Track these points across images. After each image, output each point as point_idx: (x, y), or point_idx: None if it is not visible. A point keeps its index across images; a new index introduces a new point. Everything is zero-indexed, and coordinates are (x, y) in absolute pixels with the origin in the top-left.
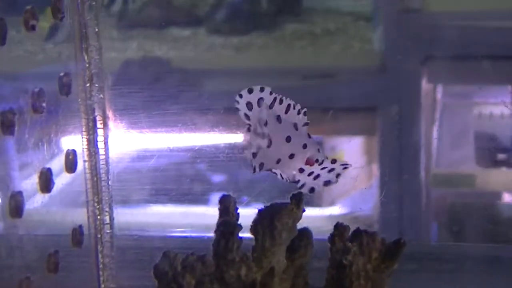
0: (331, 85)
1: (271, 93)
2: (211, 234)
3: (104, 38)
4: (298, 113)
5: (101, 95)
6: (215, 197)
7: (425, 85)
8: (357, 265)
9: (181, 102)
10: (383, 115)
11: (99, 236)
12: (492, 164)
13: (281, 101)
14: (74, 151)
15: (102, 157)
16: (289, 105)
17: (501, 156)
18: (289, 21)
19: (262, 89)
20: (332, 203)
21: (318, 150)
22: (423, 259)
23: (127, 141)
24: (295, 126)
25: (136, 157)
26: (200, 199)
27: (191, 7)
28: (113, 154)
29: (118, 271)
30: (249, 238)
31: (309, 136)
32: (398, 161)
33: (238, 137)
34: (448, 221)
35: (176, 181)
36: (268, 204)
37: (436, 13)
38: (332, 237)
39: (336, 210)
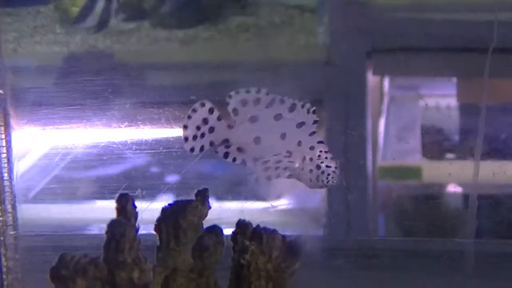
0: (276, 78)
1: (267, 94)
2: None
3: (49, 32)
4: (308, 112)
5: (1, 91)
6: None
7: (371, 78)
8: (256, 264)
9: (124, 96)
10: (329, 109)
11: (2, 238)
12: (438, 156)
13: (282, 101)
14: None
15: (3, 155)
16: (294, 104)
17: (447, 148)
18: (234, 14)
19: (258, 91)
20: (278, 197)
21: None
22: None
23: (34, 138)
24: (301, 124)
25: (42, 155)
26: (108, 195)
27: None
28: (17, 151)
29: (24, 275)
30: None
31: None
32: (345, 154)
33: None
34: (395, 214)
35: (84, 178)
36: (172, 201)
37: (382, 6)
38: (234, 235)
39: (282, 203)
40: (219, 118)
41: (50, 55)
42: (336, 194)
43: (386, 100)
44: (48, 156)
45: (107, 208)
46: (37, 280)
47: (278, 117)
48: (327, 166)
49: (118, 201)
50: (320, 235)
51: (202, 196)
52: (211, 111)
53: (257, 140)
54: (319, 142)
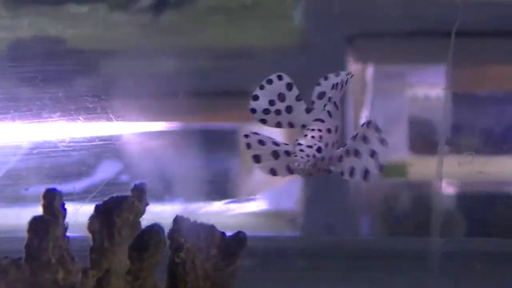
0: (248, 65)
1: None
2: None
3: None
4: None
5: None
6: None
7: (352, 65)
8: (193, 263)
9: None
10: (305, 99)
11: None
12: (427, 151)
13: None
14: None
15: None
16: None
17: (437, 142)
18: None
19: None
20: (250, 196)
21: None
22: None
23: None
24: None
25: None
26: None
27: None
28: None
29: None
30: None
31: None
32: None
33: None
34: (380, 215)
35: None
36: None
37: None
38: (171, 232)
39: (255, 204)
40: (298, 98)
41: None
42: (314, 194)
43: (369, 89)
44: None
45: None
46: None
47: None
48: (298, 144)
49: (44, 197)
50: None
51: (139, 192)
52: (289, 87)
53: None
54: (317, 119)
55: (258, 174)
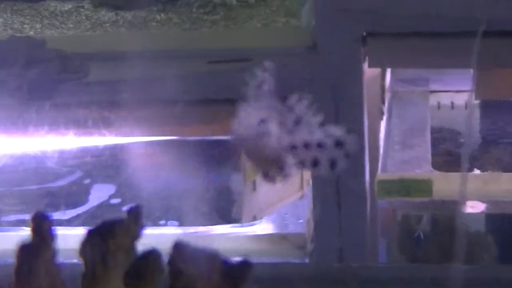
0: (248, 70)
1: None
2: None
3: None
4: None
5: None
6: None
7: (367, 69)
8: None
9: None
10: (315, 108)
11: None
12: (452, 166)
13: None
14: None
15: None
16: None
17: (463, 156)
18: None
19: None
20: (254, 219)
21: None
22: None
23: None
24: None
25: None
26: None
27: None
28: None
29: None
30: None
31: None
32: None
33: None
34: (399, 239)
35: None
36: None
37: None
38: (170, 258)
39: (259, 227)
40: None
41: None
42: (325, 215)
43: (387, 97)
44: None
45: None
46: None
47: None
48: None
49: (32, 220)
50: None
51: (135, 214)
52: None
53: None
54: None
55: (263, 192)
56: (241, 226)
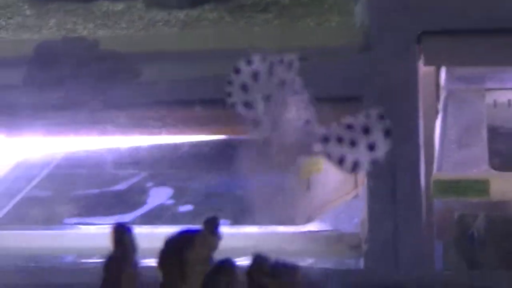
0: (302, 69)
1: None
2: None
3: (16, 14)
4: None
5: None
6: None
7: (422, 68)
8: None
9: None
10: (369, 107)
11: None
12: (510, 166)
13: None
14: None
15: None
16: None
17: None
18: None
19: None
20: (308, 220)
21: None
22: None
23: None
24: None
25: (9, 171)
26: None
27: None
28: None
29: None
30: None
31: None
32: (390, 164)
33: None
34: (455, 240)
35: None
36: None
37: None
38: (249, 271)
39: (314, 227)
40: None
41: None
42: (380, 215)
43: (442, 95)
44: (16, 173)
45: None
46: None
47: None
48: None
49: (114, 232)
50: (359, 269)
51: (211, 225)
52: None
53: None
54: None
55: (317, 192)
56: (296, 226)
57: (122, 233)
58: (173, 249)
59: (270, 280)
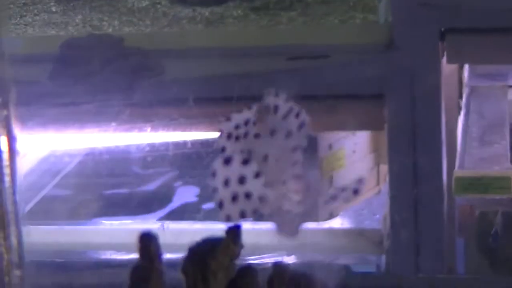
0: (326, 67)
1: (286, 101)
2: None
3: (42, 11)
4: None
5: (5, 112)
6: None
7: (445, 65)
8: None
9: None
10: (393, 104)
11: (4, 264)
12: None
13: (297, 115)
14: None
15: (8, 184)
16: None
17: None
18: None
19: (277, 94)
20: (330, 216)
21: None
22: None
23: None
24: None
25: (35, 165)
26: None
27: None
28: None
29: None
30: None
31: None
32: (412, 161)
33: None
34: (477, 237)
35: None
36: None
37: None
38: (270, 280)
39: (336, 223)
40: (254, 123)
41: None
42: (402, 211)
43: (465, 92)
44: (42, 167)
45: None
46: None
47: (289, 134)
48: (287, 212)
49: (140, 240)
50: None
51: (234, 234)
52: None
53: (264, 158)
54: (295, 175)
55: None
56: (318, 222)
57: (148, 241)
58: (196, 257)
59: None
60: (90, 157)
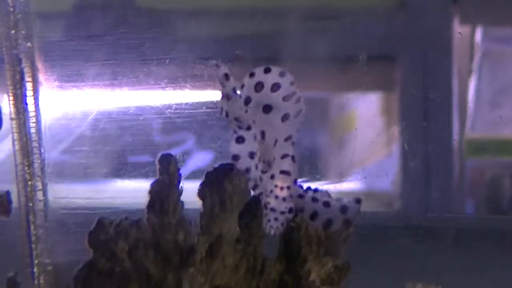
0: (338, 28)
1: (292, 84)
2: None
3: None
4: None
5: (29, 44)
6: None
7: (458, 27)
8: (307, 229)
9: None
10: (405, 66)
11: (30, 204)
12: None
13: (297, 101)
14: None
15: (32, 114)
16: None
17: None
18: None
19: (282, 74)
20: (341, 176)
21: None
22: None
23: (62, 96)
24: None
25: (72, 115)
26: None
27: None
28: (46, 111)
29: (54, 245)
30: None
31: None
32: (424, 123)
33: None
34: (487, 199)
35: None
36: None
37: None
38: None
39: (346, 184)
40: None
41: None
42: (413, 174)
43: (477, 55)
44: (75, 119)
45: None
46: (67, 252)
47: (285, 118)
48: (271, 210)
49: (160, 162)
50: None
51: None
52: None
53: (262, 134)
54: (283, 171)
55: (350, 149)
56: (328, 182)
57: (168, 161)
58: (213, 180)
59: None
60: (104, 118)
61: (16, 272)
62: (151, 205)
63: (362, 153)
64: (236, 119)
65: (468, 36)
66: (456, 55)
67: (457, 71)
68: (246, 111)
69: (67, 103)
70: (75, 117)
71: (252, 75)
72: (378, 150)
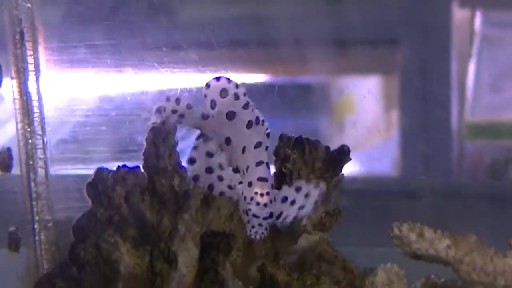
0: (340, 11)
1: (244, 95)
2: None
3: None
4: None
5: (29, 4)
6: None
7: (458, 11)
8: (299, 174)
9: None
10: (405, 50)
11: (31, 162)
12: None
13: (253, 109)
14: None
15: (31, 73)
16: (258, 118)
17: None
18: None
19: (237, 86)
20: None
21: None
22: None
23: (61, 57)
24: (258, 144)
25: (71, 75)
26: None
27: None
28: (45, 71)
29: (54, 202)
30: None
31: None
32: (424, 107)
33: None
34: (489, 176)
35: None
36: None
37: None
38: (277, 149)
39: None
40: (188, 107)
41: None
42: (413, 157)
43: (477, 39)
44: (74, 78)
45: None
46: (67, 209)
47: (249, 124)
48: (254, 216)
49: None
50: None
51: None
52: (178, 101)
53: (227, 141)
54: (260, 178)
55: (351, 134)
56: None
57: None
58: None
59: (291, 151)
60: (104, 103)
61: (17, 227)
62: (148, 150)
63: (362, 138)
64: (198, 128)
65: (468, 20)
66: (456, 40)
67: (456, 55)
68: (208, 118)
69: (67, 63)
70: (74, 76)
71: (208, 86)
72: (379, 135)
